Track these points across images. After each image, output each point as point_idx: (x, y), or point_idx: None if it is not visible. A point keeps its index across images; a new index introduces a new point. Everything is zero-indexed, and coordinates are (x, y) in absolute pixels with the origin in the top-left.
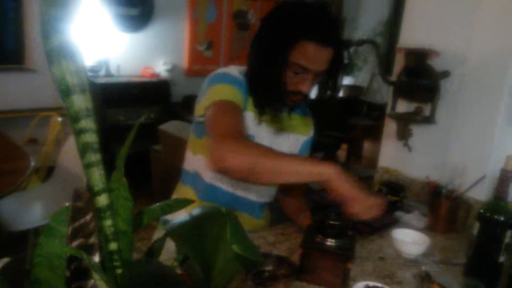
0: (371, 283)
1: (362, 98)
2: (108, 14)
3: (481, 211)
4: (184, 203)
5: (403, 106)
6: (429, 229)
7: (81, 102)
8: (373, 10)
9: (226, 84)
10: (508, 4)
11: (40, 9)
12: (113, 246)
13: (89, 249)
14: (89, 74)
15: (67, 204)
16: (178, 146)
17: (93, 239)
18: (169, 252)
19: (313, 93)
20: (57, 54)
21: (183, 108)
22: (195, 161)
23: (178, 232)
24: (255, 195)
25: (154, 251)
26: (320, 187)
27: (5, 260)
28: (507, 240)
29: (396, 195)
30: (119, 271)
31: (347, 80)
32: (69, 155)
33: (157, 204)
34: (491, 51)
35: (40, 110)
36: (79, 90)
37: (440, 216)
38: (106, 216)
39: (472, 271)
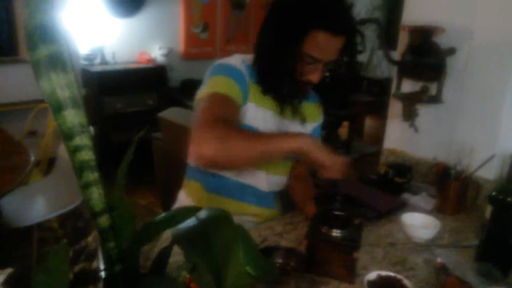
0: (383, 273)
1: (362, 74)
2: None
3: (494, 193)
4: (190, 212)
5: (408, 86)
6: (437, 211)
7: (74, 117)
8: None
9: (222, 76)
10: None
11: (24, 15)
12: (117, 267)
13: (92, 275)
14: (84, 62)
15: (64, 241)
16: (179, 134)
17: (95, 263)
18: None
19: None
20: (46, 66)
21: (182, 92)
22: None
23: (186, 239)
24: (265, 184)
25: (161, 260)
26: (323, 177)
27: (9, 270)
28: None
29: (403, 177)
30: None
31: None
32: None
33: (162, 215)
34: (498, 25)
35: (38, 102)
36: (71, 104)
37: (449, 198)
38: (108, 238)
39: (484, 255)
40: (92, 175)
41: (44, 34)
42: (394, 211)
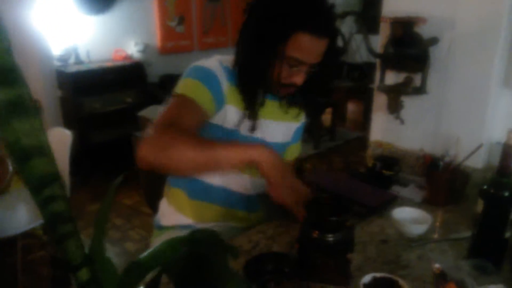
0: (378, 274)
1: (342, 60)
2: None
3: (485, 187)
4: (179, 244)
5: (391, 77)
6: (427, 203)
7: (43, 166)
8: None
9: (194, 79)
10: None
11: None
12: None
13: None
14: (58, 63)
15: None
16: None
17: None
18: None
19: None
20: (6, 113)
21: (161, 88)
22: None
23: (175, 269)
24: (249, 187)
25: None
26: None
27: None
28: None
29: (391, 169)
30: None
31: None
32: None
33: (147, 252)
34: (480, 12)
35: None
36: (38, 152)
37: (438, 189)
38: None
39: (477, 249)
40: (67, 227)
41: (2, 77)
42: (385, 206)
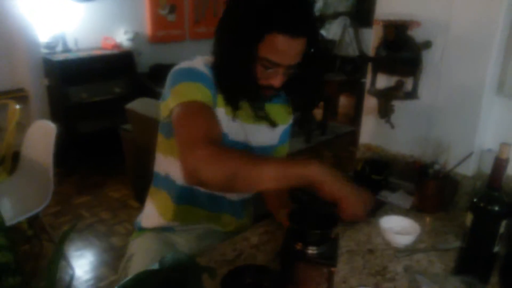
0: None
1: (335, 53)
2: None
3: (475, 200)
4: (156, 275)
5: (383, 81)
6: (416, 210)
7: None
8: None
9: (193, 82)
10: None
11: None
12: None
13: None
14: (45, 51)
15: None
16: (147, 125)
17: None
18: (150, 251)
19: None
20: None
21: (151, 78)
22: (166, 164)
23: None
24: (235, 194)
25: None
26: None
27: None
28: (501, 230)
29: (380, 174)
30: None
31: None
32: (33, 143)
33: (128, 278)
34: (475, 17)
35: None
36: None
37: (428, 197)
38: None
39: (465, 263)
40: (14, 279)
41: None
42: (373, 211)
